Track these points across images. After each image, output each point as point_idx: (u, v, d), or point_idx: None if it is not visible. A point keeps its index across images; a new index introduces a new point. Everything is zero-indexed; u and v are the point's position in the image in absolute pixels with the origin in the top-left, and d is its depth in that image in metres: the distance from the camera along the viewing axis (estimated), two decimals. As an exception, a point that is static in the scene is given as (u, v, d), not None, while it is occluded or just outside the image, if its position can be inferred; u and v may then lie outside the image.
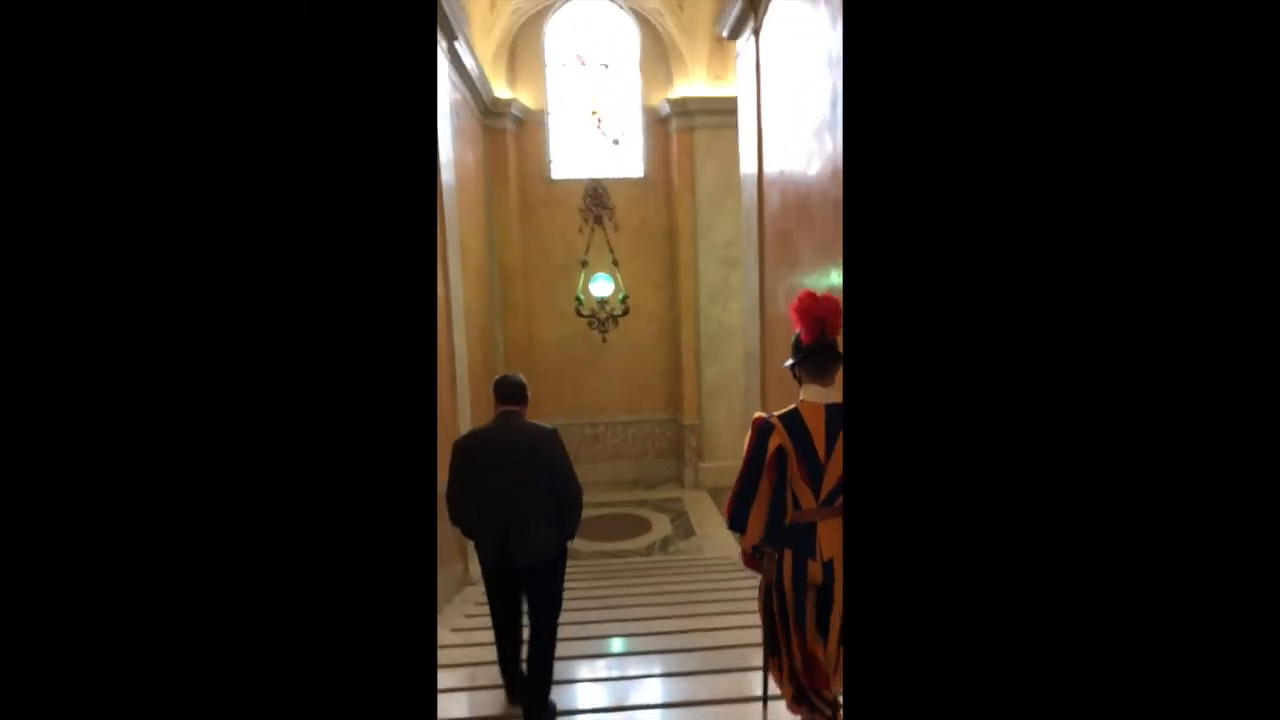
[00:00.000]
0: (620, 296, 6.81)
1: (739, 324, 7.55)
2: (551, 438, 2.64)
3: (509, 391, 2.72)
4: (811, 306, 1.98)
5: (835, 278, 3.64)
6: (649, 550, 6.83)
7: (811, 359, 1.99)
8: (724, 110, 7.43)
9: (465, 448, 2.71)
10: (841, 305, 1.94)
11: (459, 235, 5.65)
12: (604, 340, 7.04)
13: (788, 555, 2.00)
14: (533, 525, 2.57)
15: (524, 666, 2.72)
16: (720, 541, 6.61)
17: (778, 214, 4.78)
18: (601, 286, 6.74)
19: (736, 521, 2.02)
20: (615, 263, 6.66)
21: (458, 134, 6.23)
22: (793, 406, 2.01)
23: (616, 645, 3.74)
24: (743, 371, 6.45)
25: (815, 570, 1.98)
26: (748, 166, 5.61)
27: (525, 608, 2.75)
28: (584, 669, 3.28)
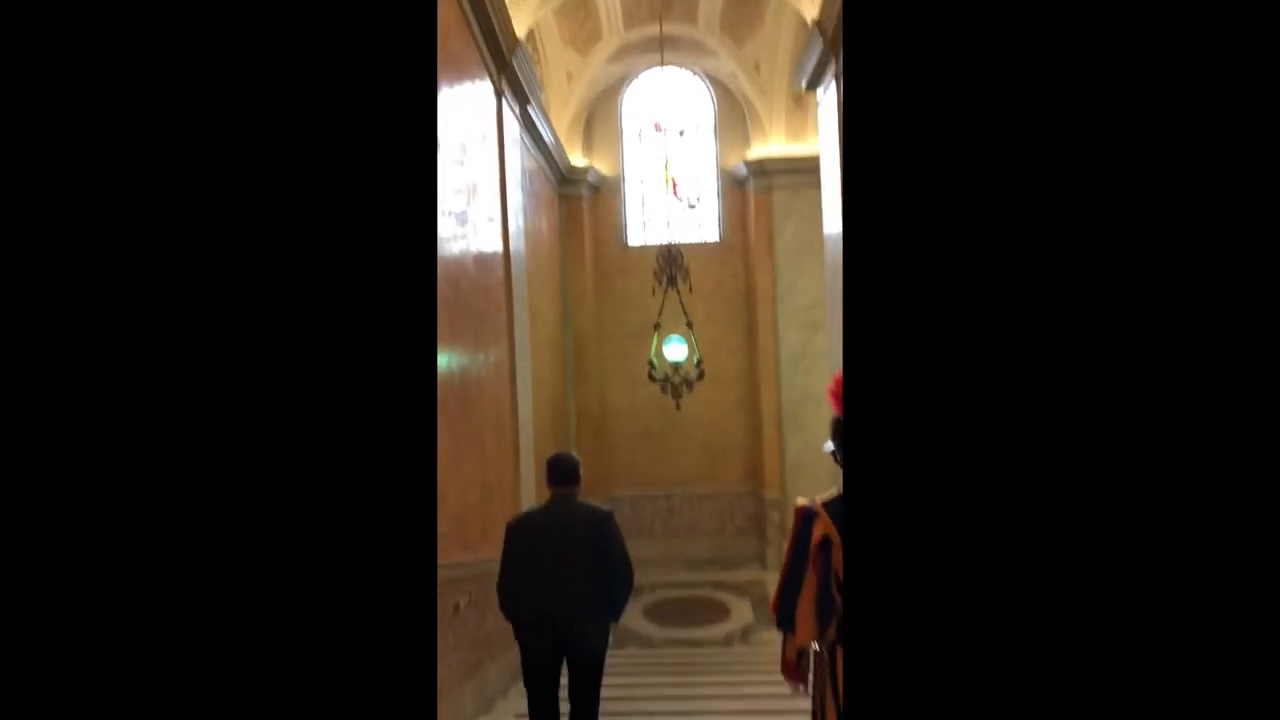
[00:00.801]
0: (695, 360, 6.48)
1: (823, 390, 7.05)
2: (608, 520, 2.58)
3: (563, 473, 2.63)
4: None
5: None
6: (728, 640, 6.23)
7: None
8: (803, 169, 7.21)
9: (518, 532, 2.61)
10: None
11: (529, 301, 5.53)
12: (678, 407, 6.69)
13: (840, 655, 1.81)
14: (588, 619, 2.51)
15: None
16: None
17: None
18: (675, 350, 6.43)
19: (784, 619, 1.88)
20: (689, 325, 6.36)
21: (531, 200, 6.23)
22: (836, 492, 1.88)
23: None
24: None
25: None
26: (832, 224, 5.25)
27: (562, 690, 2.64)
28: None
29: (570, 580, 2.46)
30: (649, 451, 8.21)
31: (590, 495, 8.32)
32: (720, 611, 6.84)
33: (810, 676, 1.91)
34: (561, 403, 7.67)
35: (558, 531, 2.52)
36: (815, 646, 1.90)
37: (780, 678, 4.65)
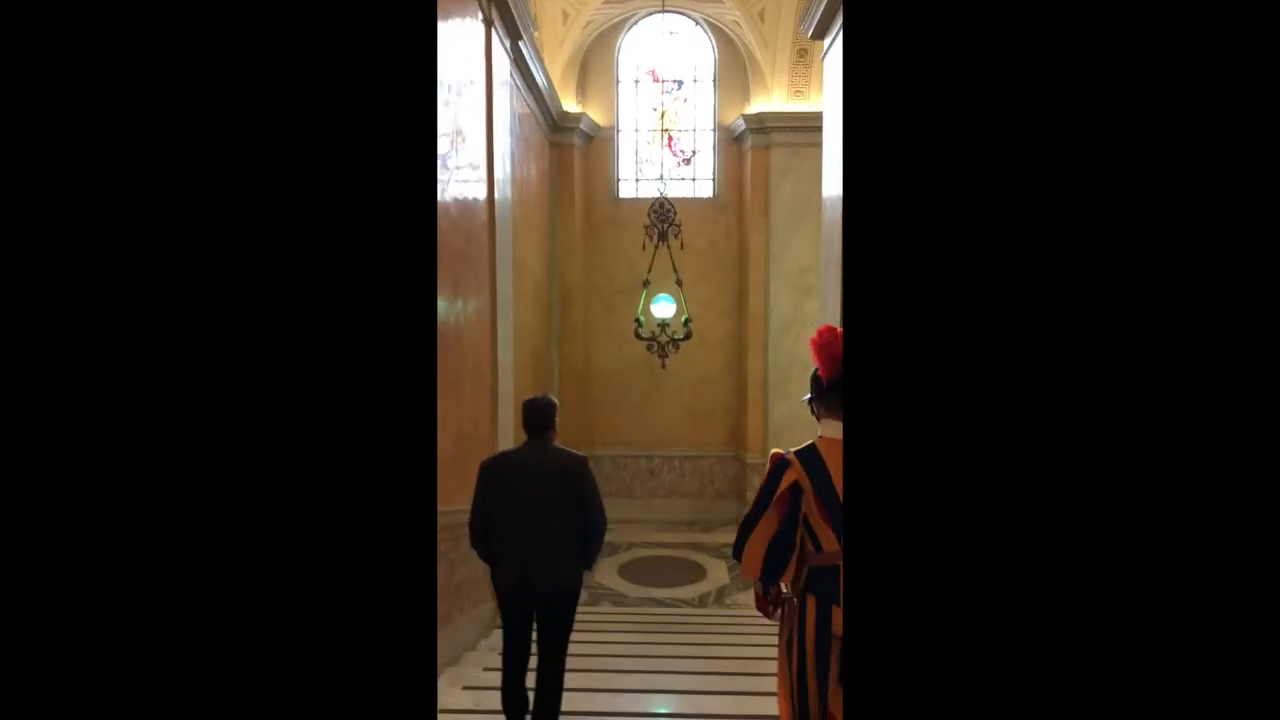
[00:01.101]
0: (683, 319, 6.34)
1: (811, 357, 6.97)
2: (582, 465, 2.59)
3: (537, 419, 2.62)
4: (831, 342, 1.96)
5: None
6: (702, 601, 6.24)
7: (831, 395, 1.95)
8: (803, 127, 6.99)
9: (491, 471, 2.63)
10: None
11: (514, 250, 5.33)
12: (664, 366, 6.58)
13: (811, 602, 1.92)
14: (556, 555, 2.53)
15: (529, 694, 2.71)
16: (782, 597, 5.94)
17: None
18: (663, 308, 6.28)
19: (738, 552, 1.99)
20: (679, 283, 6.21)
21: (521, 145, 5.98)
22: (810, 443, 1.96)
23: (657, 708, 3.31)
24: (815, 408, 5.84)
25: (839, 619, 1.87)
26: (832, 186, 5.06)
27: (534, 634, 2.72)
28: None
29: (539, 520, 2.50)
30: (632, 411, 8.13)
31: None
32: (696, 572, 6.86)
33: (780, 613, 2.01)
34: (545, 357, 7.53)
35: (530, 471, 2.53)
36: (785, 589, 1.99)
37: (746, 639, 4.65)
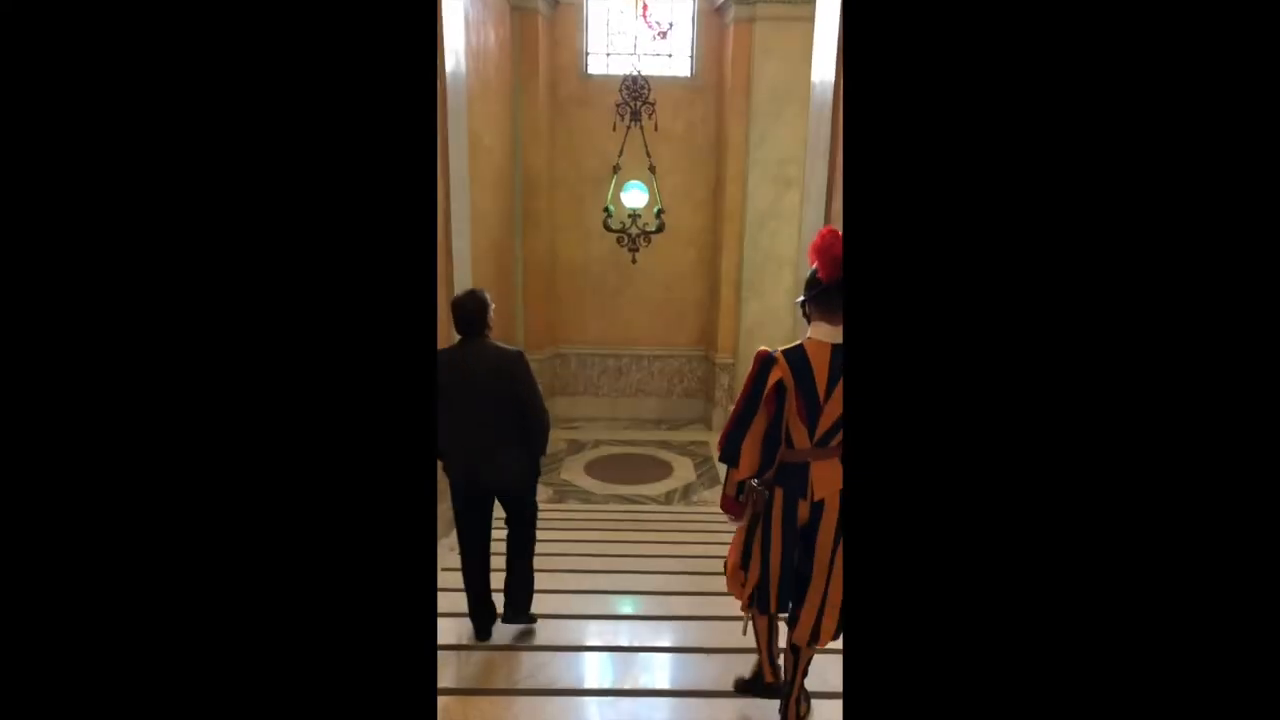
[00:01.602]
0: (656, 210, 5.93)
1: (790, 254, 6.67)
2: (518, 359, 2.57)
3: (467, 321, 2.54)
4: (832, 244, 1.94)
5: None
6: (669, 498, 6.24)
7: (825, 297, 1.94)
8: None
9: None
10: None
11: (470, 128, 4.80)
12: (634, 261, 6.22)
13: (778, 494, 1.97)
14: (500, 453, 2.56)
15: (493, 597, 2.79)
16: (748, 496, 5.96)
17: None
18: (635, 196, 5.82)
19: (729, 454, 1.99)
20: (652, 169, 5.74)
21: (476, 7, 5.29)
22: (798, 343, 1.96)
23: (625, 608, 3.30)
24: (790, 308, 5.64)
25: (804, 510, 1.96)
26: (823, 69, 4.56)
27: (495, 532, 2.77)
28: (587, 636, 2.93)
29: (480, 420, 2.51)
30: (600, 308, 7.83)
31: (535, 351, 7.95)
32: (663, 469, 6.84)
33: (750, 499, 2.01)
34: (508, 249, 7.09)
35: (466, 372, 2.50)
36: (754, 482, 2.00)
37: (713, 536, 4.63)
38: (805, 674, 2.07)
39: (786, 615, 2.07)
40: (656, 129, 5.83)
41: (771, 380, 1.91)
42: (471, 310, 2.54)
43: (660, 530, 4.98)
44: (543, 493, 6.26)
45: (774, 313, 7.11)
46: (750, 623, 2.12)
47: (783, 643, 2.12)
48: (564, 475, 6.61)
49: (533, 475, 2.69)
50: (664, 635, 3.00)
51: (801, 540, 1.97)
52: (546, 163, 7.34)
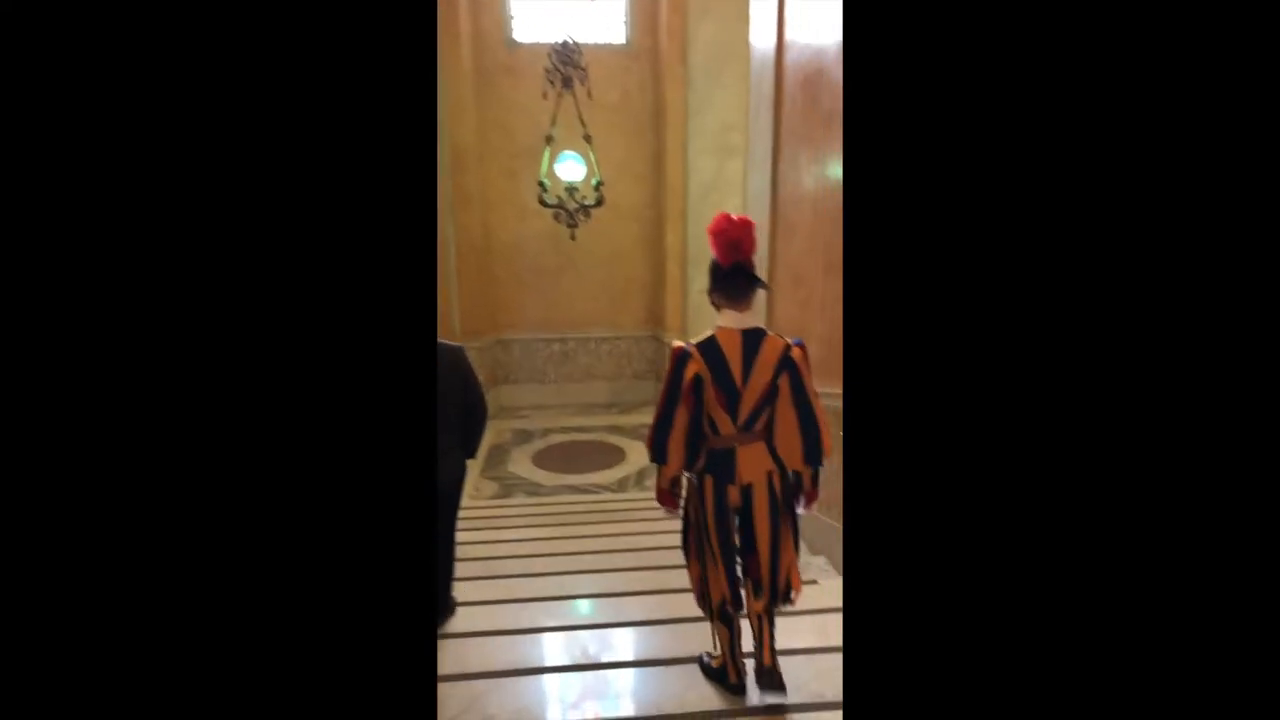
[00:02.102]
0: (594, 183, 5.60)
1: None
2: (460, 355, 2.59)
3: None
4: (728, 229, 1.96)
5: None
6: (622, 484, 5.97)
7: (727, 283, 1.98)
8: (727, -47, 6.04)
9: None
10: (754, 225, 2.00)
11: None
12: (573, 238, 5.88)
13: (708, 482, 2.03)
14: (442, 453, 2.49)
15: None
16: (704, 478, 5.75)
17: (799, 91, 3.67)
18: (570, 169, 5.47)
19: (658, 453, 2.02)
20: (588, 139, 5.40)
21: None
22: (710, 334, 2.00)
23: (582, 609, 3.05)
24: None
25: (734, 494, 2.03)
26: (762, 33, 4.28)
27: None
28: (543, 642, 2.56)
29: None
30: (541, 290, 7.46)
31: (474, 339, 7.47)
32: (615, 455, 6.57)
33: (683, 503, 2.08)
34: (438, 230, 6.65)
35: None
36: (686, 475, 2.06)
37: (667, 525, 4.41)
38: (773, 636, 2.14)
39: (743, 603, 2.14)
40: (590, 96, 5.48)
41: (688, 374, 1.95)
42: None
43: (613, 521, 4.72)
44: (488, 488, 5.92)
45: (722, 287, 6.89)
46: (715, 636, 2.16)
47: (748, 647, 2.15)
48: (511, 468, 6.28)
49: (462, 470, 2.73)
50: (625, 644, 2.74)
51: (740, 523, 2.06)
52: (475, 136, 6.89)
